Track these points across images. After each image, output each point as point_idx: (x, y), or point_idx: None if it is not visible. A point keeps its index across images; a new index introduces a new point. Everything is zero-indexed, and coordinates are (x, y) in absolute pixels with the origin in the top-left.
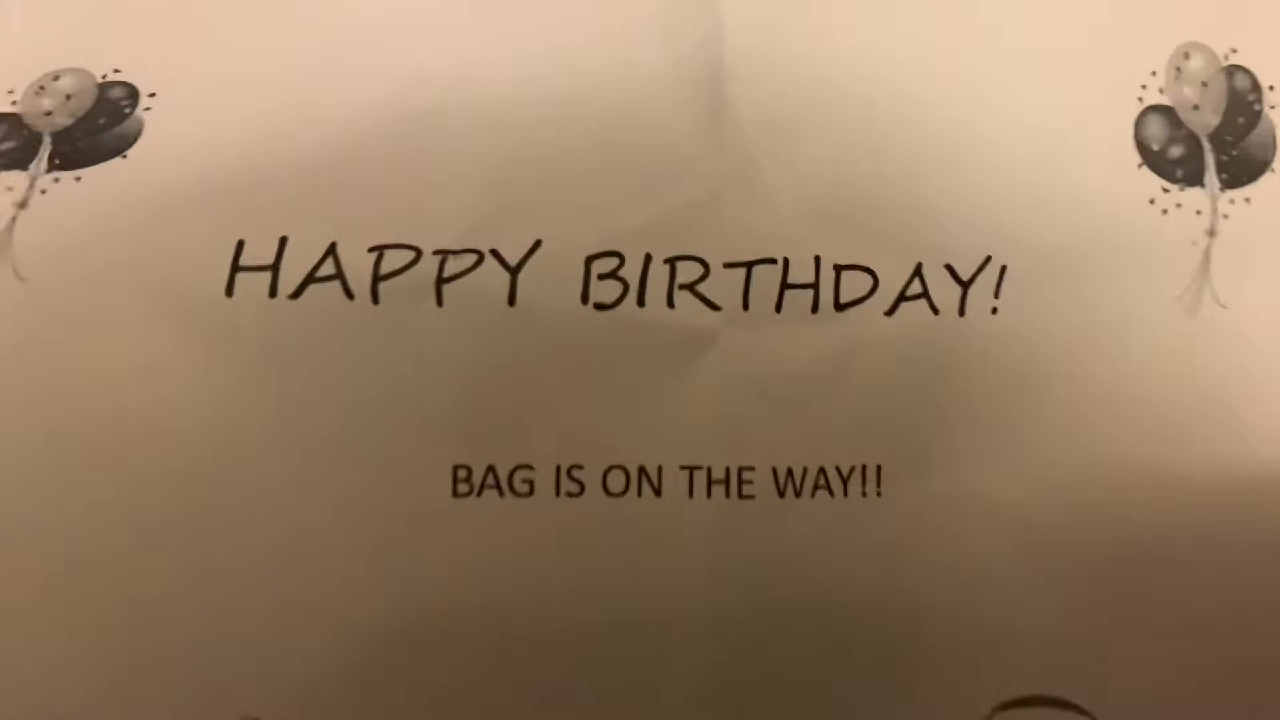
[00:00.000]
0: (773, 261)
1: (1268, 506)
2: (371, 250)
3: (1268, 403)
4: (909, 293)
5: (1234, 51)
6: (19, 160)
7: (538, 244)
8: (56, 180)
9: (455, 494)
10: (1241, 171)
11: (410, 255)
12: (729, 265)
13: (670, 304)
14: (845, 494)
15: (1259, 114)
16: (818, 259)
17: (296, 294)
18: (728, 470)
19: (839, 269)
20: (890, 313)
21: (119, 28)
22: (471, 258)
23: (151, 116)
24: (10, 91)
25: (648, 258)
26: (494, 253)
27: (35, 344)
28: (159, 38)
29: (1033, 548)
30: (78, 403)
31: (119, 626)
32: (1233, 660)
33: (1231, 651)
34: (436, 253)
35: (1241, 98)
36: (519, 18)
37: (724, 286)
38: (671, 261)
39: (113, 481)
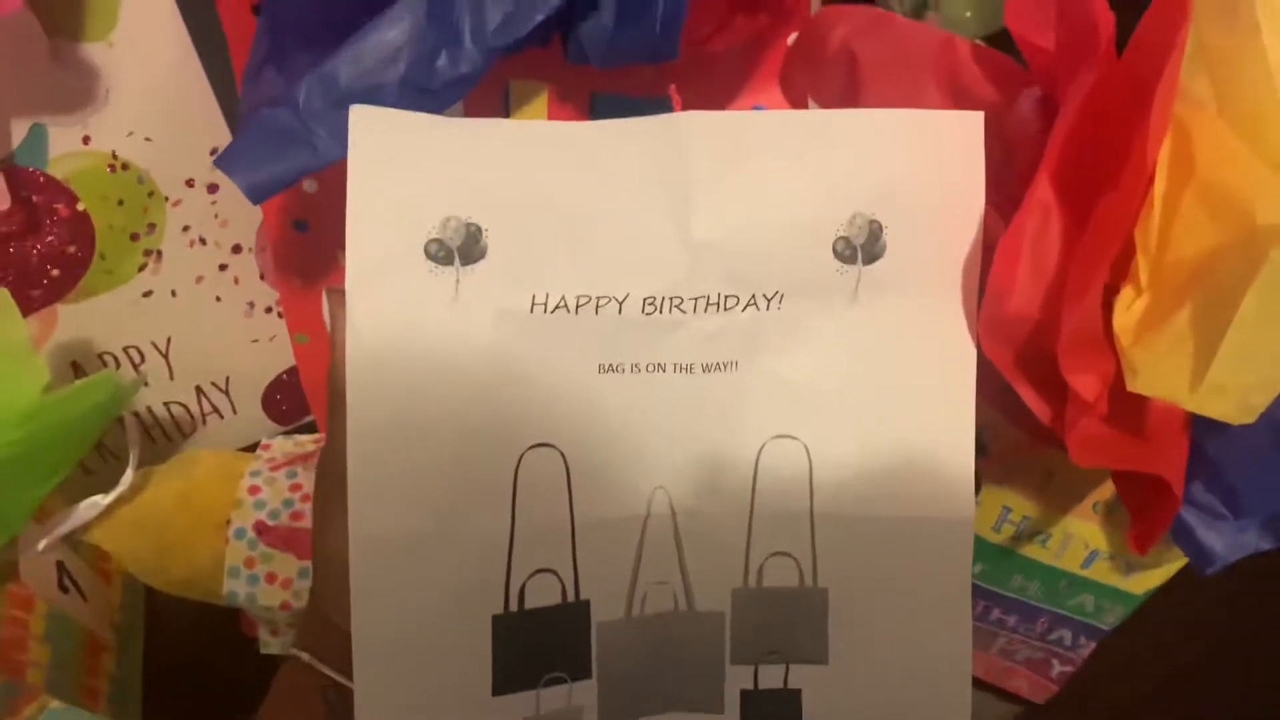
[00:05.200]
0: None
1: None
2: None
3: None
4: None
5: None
6: (448, 261)
7: None
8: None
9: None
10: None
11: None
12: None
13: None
14: None
15: (881, 239)
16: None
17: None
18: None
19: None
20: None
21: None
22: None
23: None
24: (432, 227)
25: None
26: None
27: (461, 349)
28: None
29: None
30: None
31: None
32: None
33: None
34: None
35: (876, 233)
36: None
37: None
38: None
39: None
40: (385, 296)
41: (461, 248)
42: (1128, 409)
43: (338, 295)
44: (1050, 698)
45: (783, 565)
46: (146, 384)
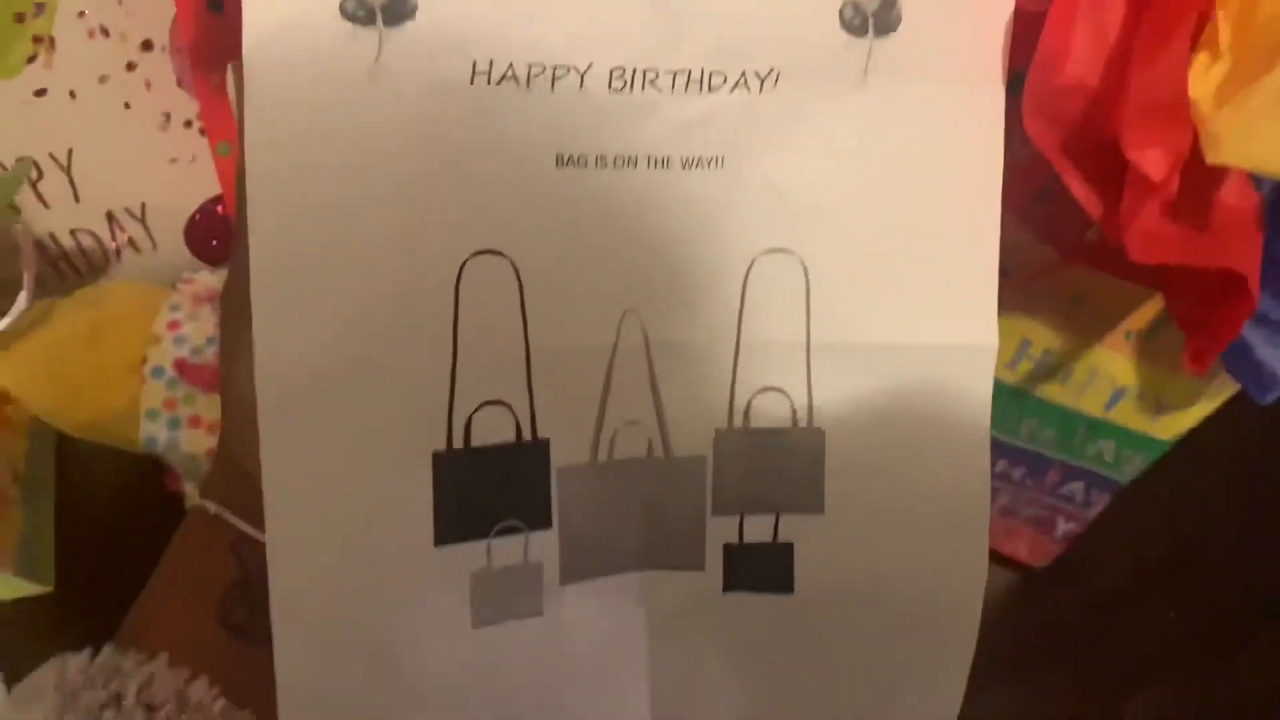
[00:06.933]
0: None
1: None
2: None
3: None
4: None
5: None
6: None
7: None
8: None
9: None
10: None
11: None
12: None
13: None
14: None
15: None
16: None
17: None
18: None
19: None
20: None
21: None
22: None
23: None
24: None
25: None
26: None
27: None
28: None
29: None
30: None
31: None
32: None
33: None
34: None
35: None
36: None
37: None
38: None
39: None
40: (291, 68)
41: (386, 4)
42: (1194, 198)
43: (241, 70)
44: (1049, 562)
45: (773, 402)
46: (46, 205)
